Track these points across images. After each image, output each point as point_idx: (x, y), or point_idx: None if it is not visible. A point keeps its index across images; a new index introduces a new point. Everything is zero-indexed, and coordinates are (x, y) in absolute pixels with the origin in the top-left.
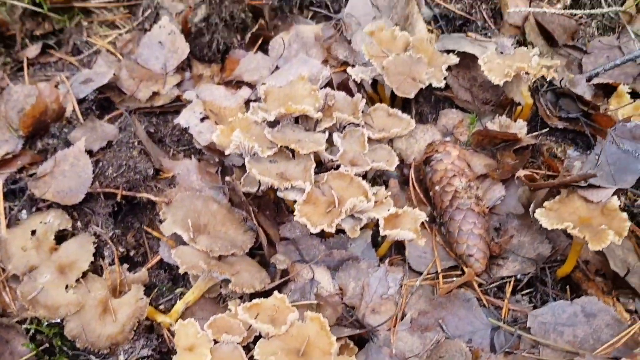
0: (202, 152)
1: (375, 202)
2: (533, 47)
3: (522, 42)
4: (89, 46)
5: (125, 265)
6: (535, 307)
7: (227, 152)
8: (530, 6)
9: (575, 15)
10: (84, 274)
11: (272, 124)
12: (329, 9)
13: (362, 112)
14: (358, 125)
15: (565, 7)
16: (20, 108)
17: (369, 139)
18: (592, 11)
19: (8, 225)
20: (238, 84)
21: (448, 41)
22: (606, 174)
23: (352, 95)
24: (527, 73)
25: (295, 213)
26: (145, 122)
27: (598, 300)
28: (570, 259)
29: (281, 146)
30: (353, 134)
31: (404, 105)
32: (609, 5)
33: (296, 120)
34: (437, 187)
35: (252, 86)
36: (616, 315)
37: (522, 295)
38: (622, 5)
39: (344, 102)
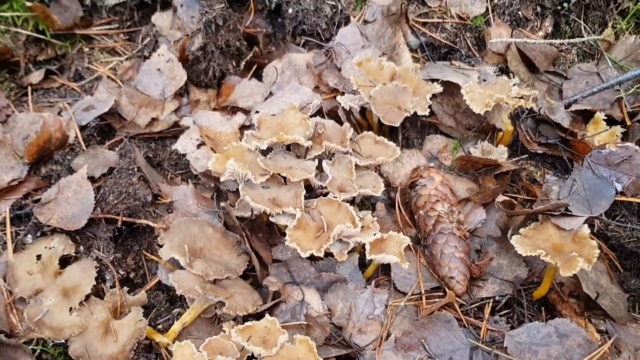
0: (198, 177)
1: (362, 227)
2: (514, 76)
3: (504, 69)
4: (90, 72)
5: (125, 288)
6: (512, 328)
7: (222, 179)
8: (512, 35)
9: (554, 44)
10: (87, 297)
11: (265, 151)
12: (320, 38)
13: (350, 139)
14: (346, 152)
15: (546, 35)
16: (25, 135)
17: (357, 166)
18: (572, 40)
19: (15, 250)
20: (233, 109)
21: (433, 69)
22: (582, 199)
23: (341, 122)
24: (506, 103)
25: (286, 238)
26: (144, 147)
27: (570, 322)
28: (545, 282)
29: (273, 172)
30: (341, 161)
31: (392, 130)
32: (589, 34)
33: (288, 147)
34: (421, 212)
35: (246, 112)
36: (587, 336)
37: (500, 316)
38: (600, 33)
39: (333, 130)
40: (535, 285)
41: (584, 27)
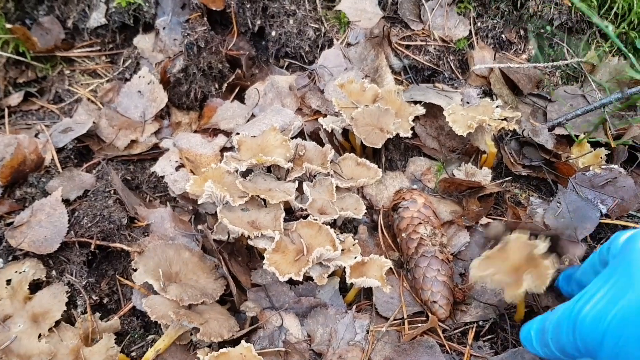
0: (176, 199)
1: (343, 250)
2: (497, 98)
3: (488, 92)
4: (70, 94)
5: (97, 314)
6: (496, 353)
7: (199, 201)
8: (495, 58)
9: (537, 67)
10: (57, 323)
11: (246, 173)
12: (304, 60)
13: (332, 161)
14: (327, 174)
15: (529, 58)
16: None
17: (338, 188)
18: (555, 63)
19: None
20: (215, 131)
21: (416, 92)
22: (567, 222)
23: (322, 144)
24: (489, 125)
25: (264, 261)
26: (122, 169)
27: None
28: (519, 304)
29: (253, 196)
30: (322, 182)
31: (375, 152)
32: (572, 57)
33: (268, 169)
34: (403, 234)
35: (228, 134)
36: None
37: (484, 341)
38: (584, 56)
39: (315, 151)
40: None
41: (567, 49)
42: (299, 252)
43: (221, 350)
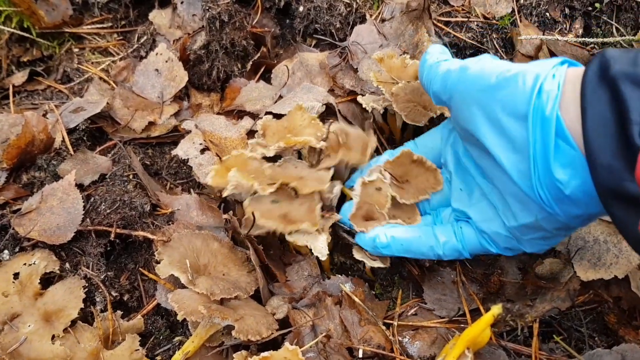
0: (202, 185)
1: None
2: None
3: None
4: (80, 73)
5: (119, 312)
6: (570, 357)
7: (224, 194)
8: (543, 35)
9: (587, 45)
10: (73, 323)
11: (274, 160)
12: (334, 37)
13: (388, 162)
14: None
15: (577, 37)
16: (4, 138)
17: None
18: (605, 39)
19: None
20: (239, 113)
21: None
22: None
23: (359, 125)
24: None
25: None
26: (140, 153)
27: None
28: None
29: (282, 184)
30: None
31: (415, 134)
32: (622, 35)
33: (300, 155)
34: None
35: (254, 116)
36: None
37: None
38: (635, 34)
39: (357, 139)
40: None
41: (616, 28)
42: None
43: (263, 354)
